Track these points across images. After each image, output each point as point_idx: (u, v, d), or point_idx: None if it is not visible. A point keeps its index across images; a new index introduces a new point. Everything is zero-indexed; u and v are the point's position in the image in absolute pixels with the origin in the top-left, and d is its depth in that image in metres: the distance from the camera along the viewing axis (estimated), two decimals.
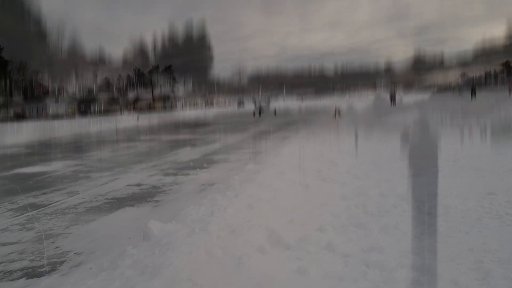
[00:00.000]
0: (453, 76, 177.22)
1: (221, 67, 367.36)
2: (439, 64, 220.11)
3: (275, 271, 4.20)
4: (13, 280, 4.79)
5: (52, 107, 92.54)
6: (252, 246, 4.61)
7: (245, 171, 8.66)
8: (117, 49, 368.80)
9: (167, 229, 4.92)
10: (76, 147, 21.36)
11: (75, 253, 5.54)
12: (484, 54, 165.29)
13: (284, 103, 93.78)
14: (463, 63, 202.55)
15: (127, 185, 9.99)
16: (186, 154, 15.63)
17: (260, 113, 45.86)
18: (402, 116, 26.83)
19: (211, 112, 73.32)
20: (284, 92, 77.45)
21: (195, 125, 36.92)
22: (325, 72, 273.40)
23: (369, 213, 6.44)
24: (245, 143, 18.65)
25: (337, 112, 31.40)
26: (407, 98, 72.48)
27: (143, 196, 8.71)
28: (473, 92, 58.97)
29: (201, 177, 10.64)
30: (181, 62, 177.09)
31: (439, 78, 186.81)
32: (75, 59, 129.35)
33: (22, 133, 31.57)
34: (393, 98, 56.17)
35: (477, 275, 4.14)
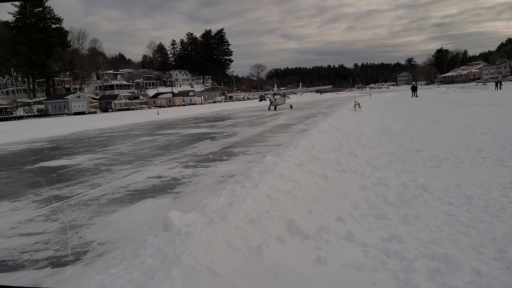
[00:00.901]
0: (476, 69, 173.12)
1: (240, 62, 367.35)
2: (462, 56, 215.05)
3: (294, 260, 4.20)
4: (39, 269, 4.92)
5: (74, 104, 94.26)
6: (271, 236, 4.62)
7: (264, 162, 8.65)
8: (137, 48, 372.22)
9: (187, 219, 4.96)
10: (97, 141, 21.72)
11: (98, 243, 5.66)
12: (509, 43, 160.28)
13: (302, 96, 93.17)
14: (487, 55, 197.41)
15: (148, 178, 10.13)
16: (206, 147, 15.74)
17: (275, 107, 45.64)
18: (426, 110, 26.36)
19: (230, 106, 73.53)
20: (300, 86, 76.67)
21: (214, 119, 37.09)
22: (345, 65, 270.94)
23: (389, 203, 6.40)
24: (263, 136, 18.65)
25: (357, 105, 31.10)
26: (428, 91, 71.25)
27: (164, 188, 8.81)
28: (498, 84, 57.84)
29: (220, 169, 10.71)
30: (199, 57, 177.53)
31: (462, 71, 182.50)
32: (96, 57, 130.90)
33: (47, 129, 32.31)
34: (415, 90, 55.66)
35: (500, 265, 4.07)
